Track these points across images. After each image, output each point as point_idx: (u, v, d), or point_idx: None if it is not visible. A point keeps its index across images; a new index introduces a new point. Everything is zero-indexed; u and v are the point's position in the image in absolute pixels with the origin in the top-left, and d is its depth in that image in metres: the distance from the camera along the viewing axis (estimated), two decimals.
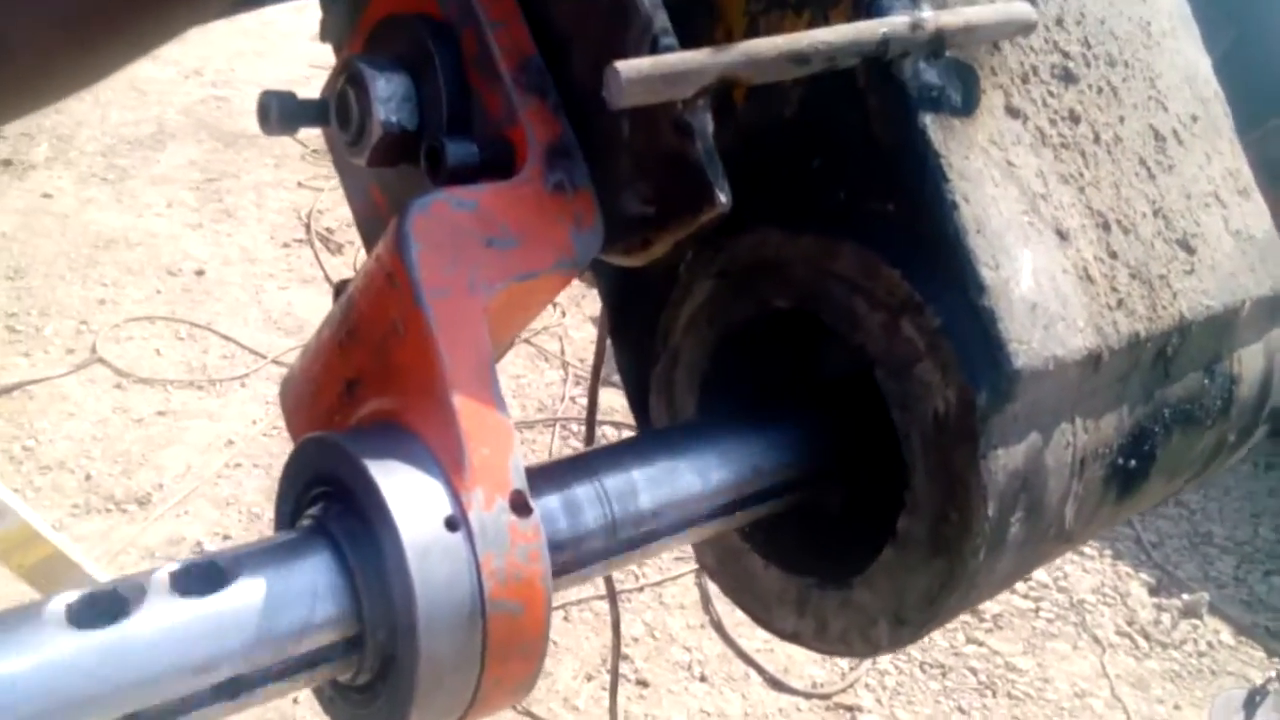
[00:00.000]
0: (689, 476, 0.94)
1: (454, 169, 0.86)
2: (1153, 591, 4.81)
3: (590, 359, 5.85)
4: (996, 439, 0.89)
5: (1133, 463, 1.05)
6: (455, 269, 0.79)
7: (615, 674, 2.59)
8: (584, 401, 5.35)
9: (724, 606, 4.39)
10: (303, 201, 7.03)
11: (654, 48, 0.83)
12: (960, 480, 0.90)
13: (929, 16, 0.88)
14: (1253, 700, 3.65)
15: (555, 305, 5.99)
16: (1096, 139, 1.03)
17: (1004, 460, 0.90)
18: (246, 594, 0.71)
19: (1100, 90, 1.05)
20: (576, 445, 5.23)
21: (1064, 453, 0.96)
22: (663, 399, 1.15)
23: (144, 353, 5.48)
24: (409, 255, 0.78)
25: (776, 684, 4.12)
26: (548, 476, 0.86)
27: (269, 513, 4.58)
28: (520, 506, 0.75)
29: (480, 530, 0.73)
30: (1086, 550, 4.95)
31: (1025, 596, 4.66)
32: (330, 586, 0.73)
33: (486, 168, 0.87)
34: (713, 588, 4.45)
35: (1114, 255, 0.99)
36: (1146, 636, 4.57)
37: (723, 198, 0.84)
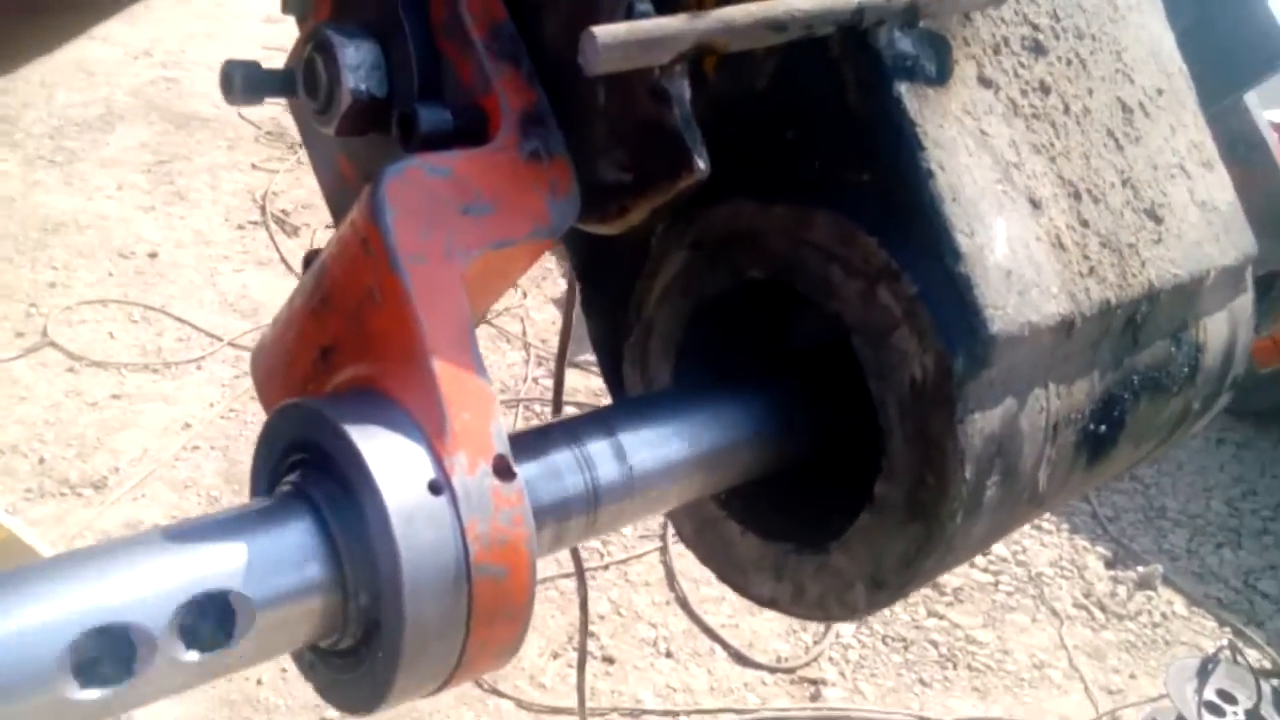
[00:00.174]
0: (669, 442, 0.95)
1: (427, 135, 0.85)
2: (1109, 564, 4.91)
3: (552, 340, 5.84)
4: (973, 404, 0.90)
5: (1103, 428, 1.07)
6: (431, 235, 0.79)
7: (583, 651, 2.60)
8: (547, 383, 5.34)
9: (688, 583, 4.42)
10: (257, 183, 6.93)
11: (629, 13, 0.83)
12: (937, 445, 0.91)
13: None
14: (1205, 668, 3.73)
15: (516, 287, 5.96)
16: (1066, 110, 1.04)
17: (980, 425, 0.91)
18: (228, 560, 0.70)
19: (1069, 62, 1.06)
20: None
21: (1038, 418, 0.97)
22: (637, 369, 1.15)
23: (97, 336, 5.39)
24: (384, 220, 0.77)
25: (741, 659, 4.15)
26: (528, 443, 0.86)
27: (228, 496, 4.54)
28: (503, 471, 0.75)
29: (464, 494, 0.73)
30: (1044, 525, 5.03)
31: (985, 570, 4.73)
32: (312, 551, 0.72)
33: (459, 135, 0.87)
34: (677, 564, 4.47)
35: (1085, 224, 1.01)
36: (1103, 608, 4.66)
37: (701, 164, 0.84)
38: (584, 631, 2.63)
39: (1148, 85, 1.15)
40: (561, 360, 1.72)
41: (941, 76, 0.93)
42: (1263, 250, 1.26)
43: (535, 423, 5.22)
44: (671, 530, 4.61)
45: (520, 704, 3.84)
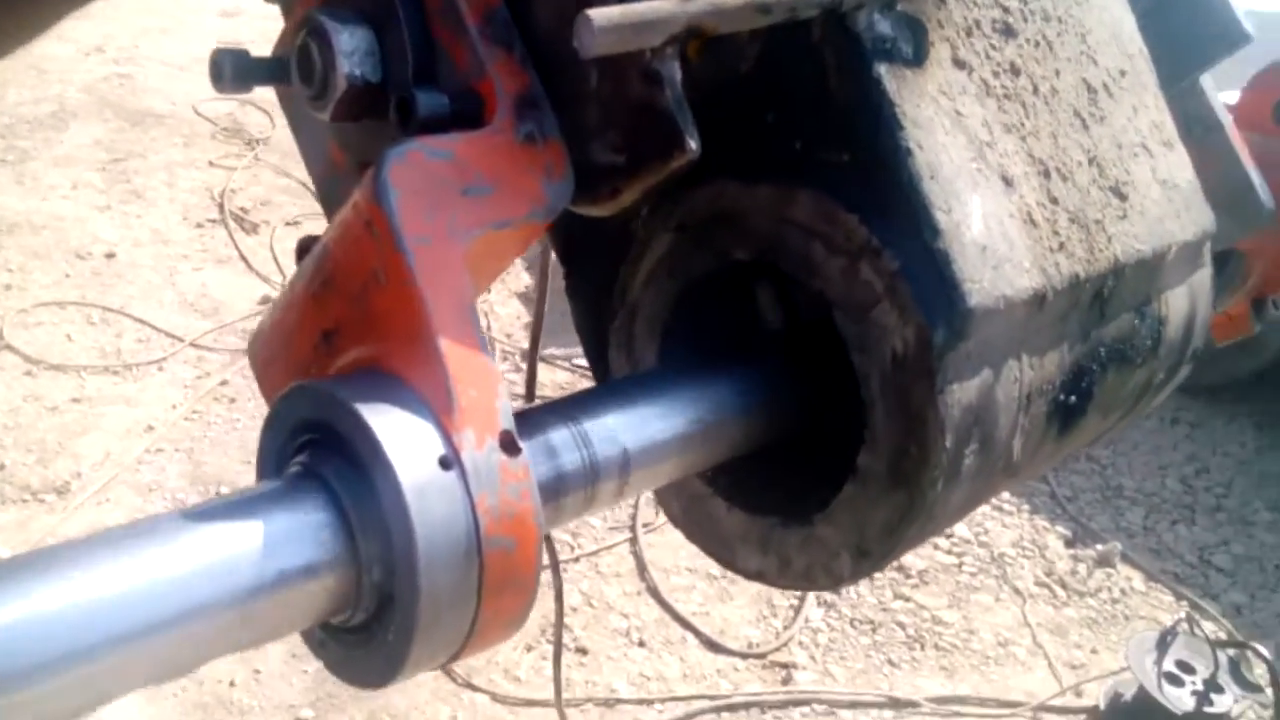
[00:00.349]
0: (660, 420, 0.97)
1: (425, 120, 0.87)
2: (1069, 543, 5.00)
3: (517, 335, 5.84)
4: (952, 375, 0.93)
5: (1073, 399, 1.11)
6: (434, 216, 0.81)
7: (559, 642, 2.63)
8: (513, 377, 5.34)
9: (659, 573, 4.45)
10: (215, 181, 6.86)
11: None
12: (918, 416, 0.94)
13: None
14: (1164, 641, 3.82)
15: None
16: (1035, 90, 1.08)
17: (959, 395, 0.94)
18: (243, 539, 0.71)
19: (1037, 44, 1.10)
20: None
21: (1013, 388, 1.01)
22: (623, 352, 1.18)
23: (54, 339, 5.31)
24: (389, 202, 0.79)
25: (713, 645, 4.19)
26: (526, 422, 0.88)
27: (193, 498, 4.50)
28: (509, 446, 0.77)
29: (473, 469, 0.75)
30: (1005, 506, 5.12)
31: (949, 552, 4.81)
32: (326, 527, 0.74)
33: (456, 119, 0.89)
34: (648, 555, 4.50)
35: (1055, 201, 1.04)
36: (1064, 586, 4.75)
37: (693, 144, 0.86)
38: (559, 623, 2.65)
39: (1111, 67, 1.20)
40: (534, 350, 1.74)
41: (918, 58, 0.97)
42: (1218, 228, 1.31)
43: None
44: (641, 521, 4.65)
45: (495, 698, 3.85)
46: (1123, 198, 1.14)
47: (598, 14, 0.78)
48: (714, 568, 4.50)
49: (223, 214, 6.53)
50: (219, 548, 0.71)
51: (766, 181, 0.99)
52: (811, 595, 4.41)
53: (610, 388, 1.05)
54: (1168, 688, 3.68)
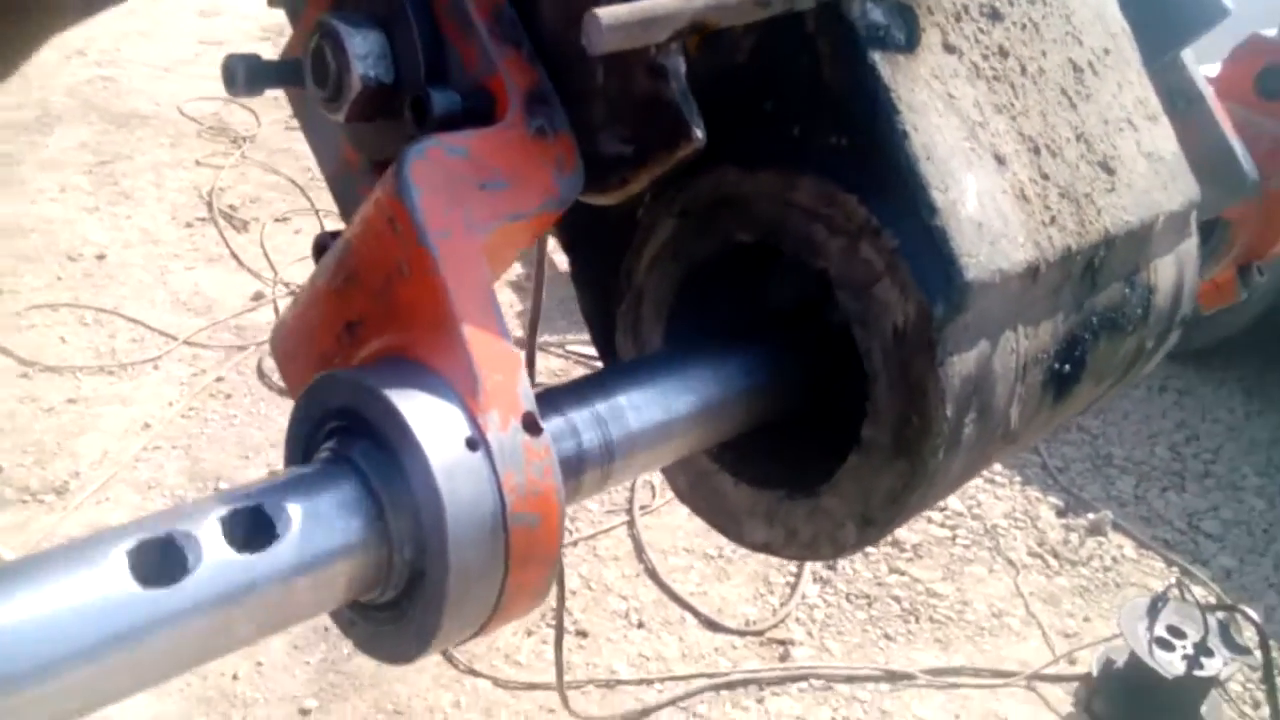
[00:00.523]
0: (670, 399, 1.01)
1: (440, 118, 0.90)
2: (1060, 513, 5.07)
3: (510, 323, 5.86)
4: (951, 347, 0.97)
5: (1067, 367, 1.15)
6: (453, 211, 0.84)
7: (560, 626, 2.67)
8: None
9: (656, 555, 4.50)
10: (203, 180, 6.86)
11: None
12: (919, 387, 0.98)
13: None
14: (1155, 607, 3.89)
15: None
16: (1023, 71, 1.12)
17: (959, 366, 0.98)
18: (282, 522, 0.75)
19: (1024, 26, 1.14)
20: None
21: (1009, 358, 1.05)
22: (630, 335, 1.22)
23: (48, 340, 5.32)
24: (411, 199, 0.82)
25: (711, 624, 4.24)
26: (545, 403, 0.92)
27: (192, 494, 4.52)
28: (532, 426, 0.81)
29: (499, 449, 0.78)
30: (997, 478, 5.18)
31: (942, 525, 4.87)
32: (357, 507, 0.77)
33: (468, 116, 0.92)
34: (645, 537, 4.55)
35: (1045, 177, 1.08)
36: (1056, 556, 4.82)
37: (699, 133, 0.90)
38: (561, 606, 2.69)
39: (1095, 46, 1.23)
40: (532, 335, 1.78)
41: (910, 44, 1.00)
42: (1203, 198, 1.35)
43: None
44: (638, 504, 4.69)
45: (497, 683, 3.90)
46: (1110, 171, 1.17)
47: (605, 12, 0.81)
48: (711, 548, 4.56)
49: (212, 212, 6.54)
50: (259, 532, 0.74)
51: (768, 167, 1.03)
52: (808, 572, 4.47)
53: (620, 369, 1.08)
54: (1159, 653, 3.75)
